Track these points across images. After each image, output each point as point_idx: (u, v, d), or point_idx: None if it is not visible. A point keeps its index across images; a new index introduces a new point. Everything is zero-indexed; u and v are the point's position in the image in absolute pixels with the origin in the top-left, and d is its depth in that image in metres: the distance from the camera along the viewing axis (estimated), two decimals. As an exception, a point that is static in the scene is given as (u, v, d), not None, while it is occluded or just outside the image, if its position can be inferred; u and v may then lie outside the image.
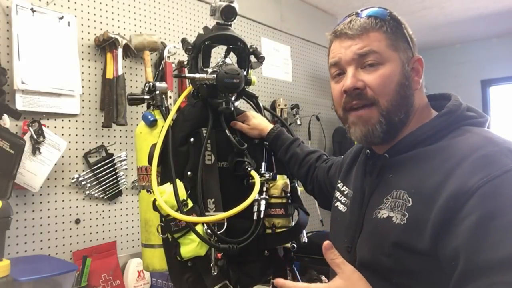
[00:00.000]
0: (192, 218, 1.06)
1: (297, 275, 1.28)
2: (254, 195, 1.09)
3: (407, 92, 0.87)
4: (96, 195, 1.85)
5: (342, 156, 1.23)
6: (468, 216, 0.70)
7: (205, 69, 1.20)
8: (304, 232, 1.26)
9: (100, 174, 1.85)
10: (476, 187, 0.70)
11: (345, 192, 1.04)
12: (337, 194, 1.08)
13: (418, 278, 0.77)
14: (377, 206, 0.87)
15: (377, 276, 0.82)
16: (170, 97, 2.04)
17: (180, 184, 1.11)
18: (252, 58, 1.28)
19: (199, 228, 1.08)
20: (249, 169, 1.18)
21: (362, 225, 0.90)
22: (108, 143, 1.91)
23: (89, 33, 1.88)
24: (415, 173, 0.82)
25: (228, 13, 1.19)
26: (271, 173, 1.22)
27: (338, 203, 1.05)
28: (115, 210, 1.93)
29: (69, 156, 1.78)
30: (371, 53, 0.86)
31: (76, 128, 1.81)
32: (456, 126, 0.85)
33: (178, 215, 1.04)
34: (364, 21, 0.88)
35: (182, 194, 1.09)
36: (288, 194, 1.25)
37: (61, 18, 1.76)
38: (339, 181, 1.09)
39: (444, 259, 0.72)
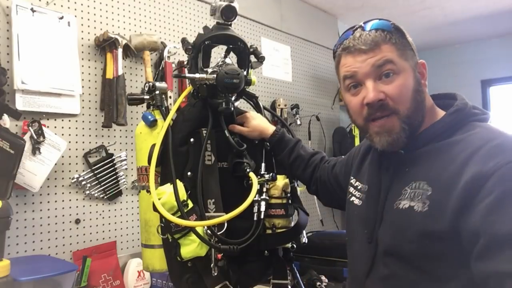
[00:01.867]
0: (189, 222, 1.05)
1: (297, 275, 1.29)
2: (252, 197, 1.09)
3: (421, 96, 0.94)
4: (96, 195, 1.85)
5: (343, 156, 1.28)
6: (487, 196, 0.77)
7: (205, 69, 1.20)
8: (304, 232, 1.26)
9: (100, 174, 1.85)
10: (492, 171, 0.78)
11: (359, 187, 1.09)
12: (351, 189, 1.11)
13: (440, 261, 0.84)
14: (397, 198, 0.92)
15: (401, 261, 0.89)
16: (170, 97, 2.05)
17: (180, 185, 1.11)
18: (252, 58, 1.28)
19: (199, 228, 1.08)
20: (247, 170, 1.18)
21: (382, 217, 0.96)
22: (108, 143, 1.91)
23: (89, 33, 1.88)
24: (433, 165, 0.89)
25: (228, 13, 1.19)
26: (271, 174, 1.22)
27: (353, 198, 1.09)
28: (115, 210, 1.93)
29: (69, 156, 1.78)
30: (387, 63, 0.91)
31: (76, 128, 1.81)
32: (465, 122, 0.92)
33: (174, 219, 1.04)
34: (374, 35, 0.92)
35: (182, 194, 1.09)
36: (288, 195, 1.25)
37: (61, 18, 1.76)
38: (352, 177, 1.13)
39: (466, 236, 0.79)
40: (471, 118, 0.93)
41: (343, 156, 1.29)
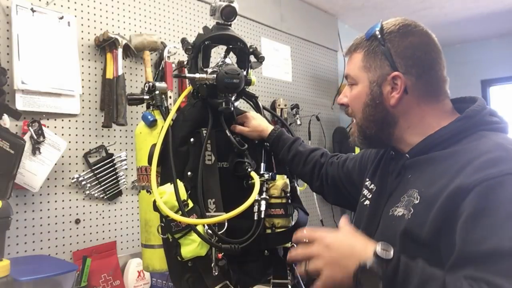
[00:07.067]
0: (192, 220, 1.05)
1: (298, 274, 1.28)
2: (254, 196, 1.09)
3: (376, 110, 0.94)
4: (96, 195, 1.85)
5: (354, 153, 1.27)
6: (463, 212, 0.75)
7: (205, 69, 1.20)
8: (304, 232, 1.26)
9: (100, 174, 1.85)
10: (472, 186, 0.75)
11: (370, 187, 1.08)
12: (365, 191, 1.09)
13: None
14: (395, 205, 0.91)
15: None
16: (170, 97, 2.05)
17: (180, 184, 1.11)
18: (252, 58, 1.28)
19: (199, 228, 1.08)
20: (249, 169, 1.18)
21: (379, 222, 0.95)
22: (108, 143, 1.91)
23: (89, 33, 1.88)
24: (428, 174, 0.87)
25: (228, 13, 1.19)
26: (270, 173, 1.22)
27: (363, 199, 1.08)
28: (115, 210, 1.93)
29: (69, 156, 1.78)
30: (347, 76, 1.00)
31: (76, 128, 1.81)
32: (473, 131, 0.87)
33: (177, 217, 1.04)
34: (357, 40, 0.99)
35: (183, 194, 1.09)
36: (288, 194, 1.25)
37: (61, 18, 1.76)
38: (367, 179, 1.11)
39: (445, 253, 0.77)
40: (482, 126, 0.87)
41: (353, 154, 1.28)
